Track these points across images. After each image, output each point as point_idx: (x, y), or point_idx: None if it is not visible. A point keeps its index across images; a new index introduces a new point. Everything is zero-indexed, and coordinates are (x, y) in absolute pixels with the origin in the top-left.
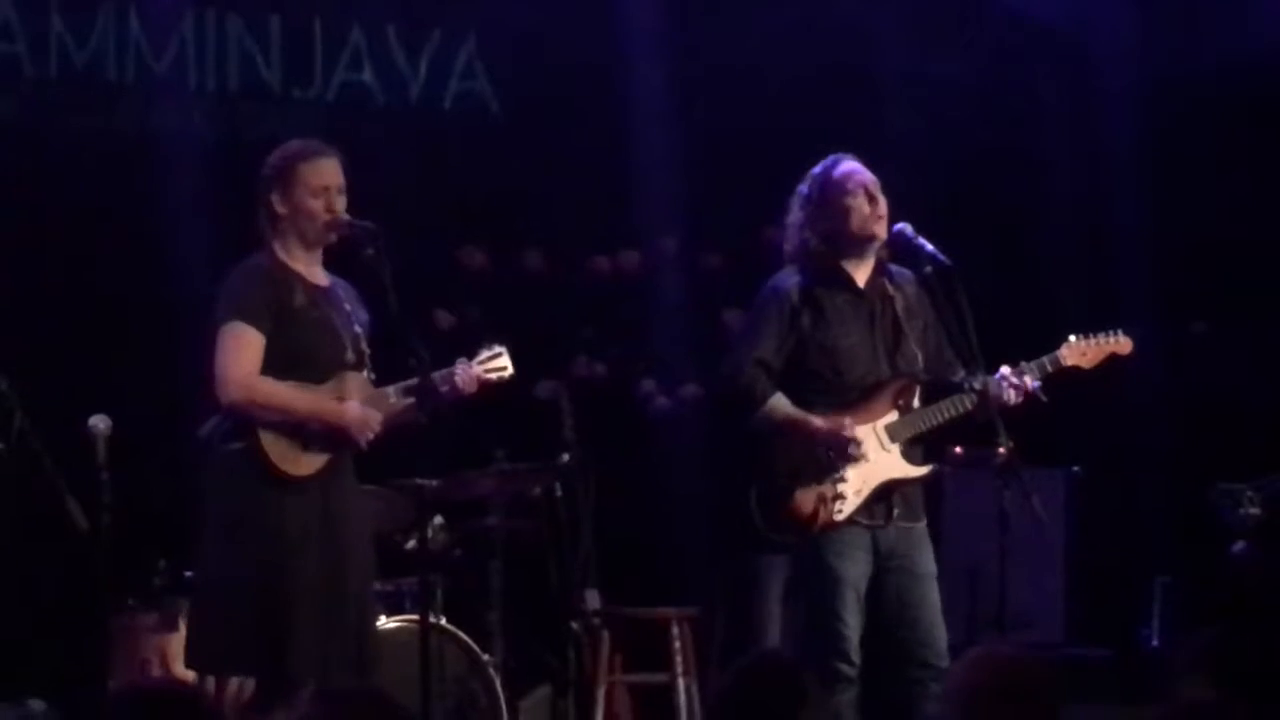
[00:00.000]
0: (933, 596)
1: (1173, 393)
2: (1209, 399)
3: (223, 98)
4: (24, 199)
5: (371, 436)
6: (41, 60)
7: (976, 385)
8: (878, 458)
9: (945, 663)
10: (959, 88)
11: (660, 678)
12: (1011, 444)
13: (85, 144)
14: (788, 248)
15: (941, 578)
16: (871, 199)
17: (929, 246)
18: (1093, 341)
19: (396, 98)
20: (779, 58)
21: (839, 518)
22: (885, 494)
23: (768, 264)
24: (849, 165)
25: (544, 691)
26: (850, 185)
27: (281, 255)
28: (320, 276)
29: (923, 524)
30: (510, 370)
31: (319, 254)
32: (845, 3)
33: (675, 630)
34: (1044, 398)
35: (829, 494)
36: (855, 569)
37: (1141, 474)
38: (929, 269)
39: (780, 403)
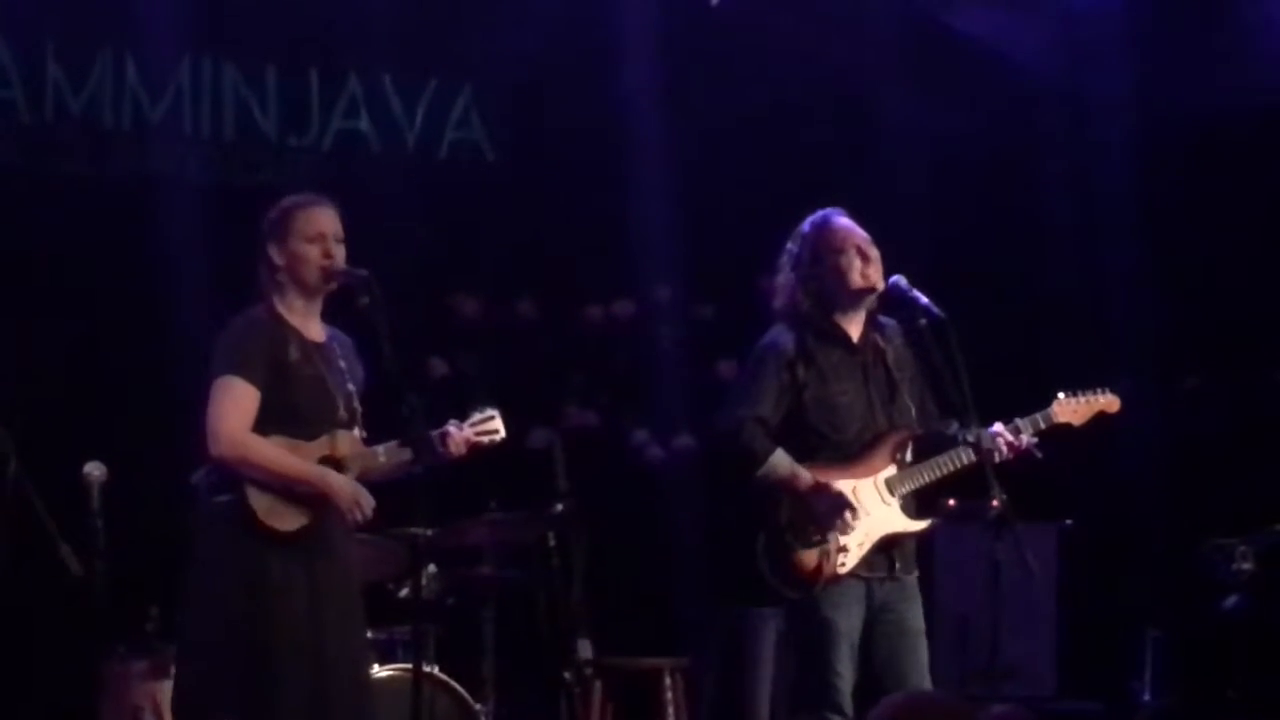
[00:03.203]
0: (921, 653)
1: (1165, 447)
2: (1201, 453)
3: (218, 145)
4: (18, 244)
5: (360, 518)
6: (38, 106)
7: (970, 438)
8: (879, 511)
9: None
10: (957, 139)
11: None
12: (1004, 496)
13: (81, 190)
14: (778, 305)
15: (933, 629)
16: (864, 256)
17: (923, 299)
18: (1082, 399)
19: (393, 146)
20: (776, 108)
21: (842, 571)
22: (885, 547)
23: (761, 314)
24: (839, 223)
25: None
26: (842, 245)
27: (279, 308)
28: (317, 331)
29: (915, 575)
30: (502, 434)
31: (317, 306)
32: (844, 55)
33: (667, 680)
34: (1039, 454)
35: (832, 548)
36: (850, 622)
37: (1133, 528)
38: (923, 321)
39: (780, 459)
